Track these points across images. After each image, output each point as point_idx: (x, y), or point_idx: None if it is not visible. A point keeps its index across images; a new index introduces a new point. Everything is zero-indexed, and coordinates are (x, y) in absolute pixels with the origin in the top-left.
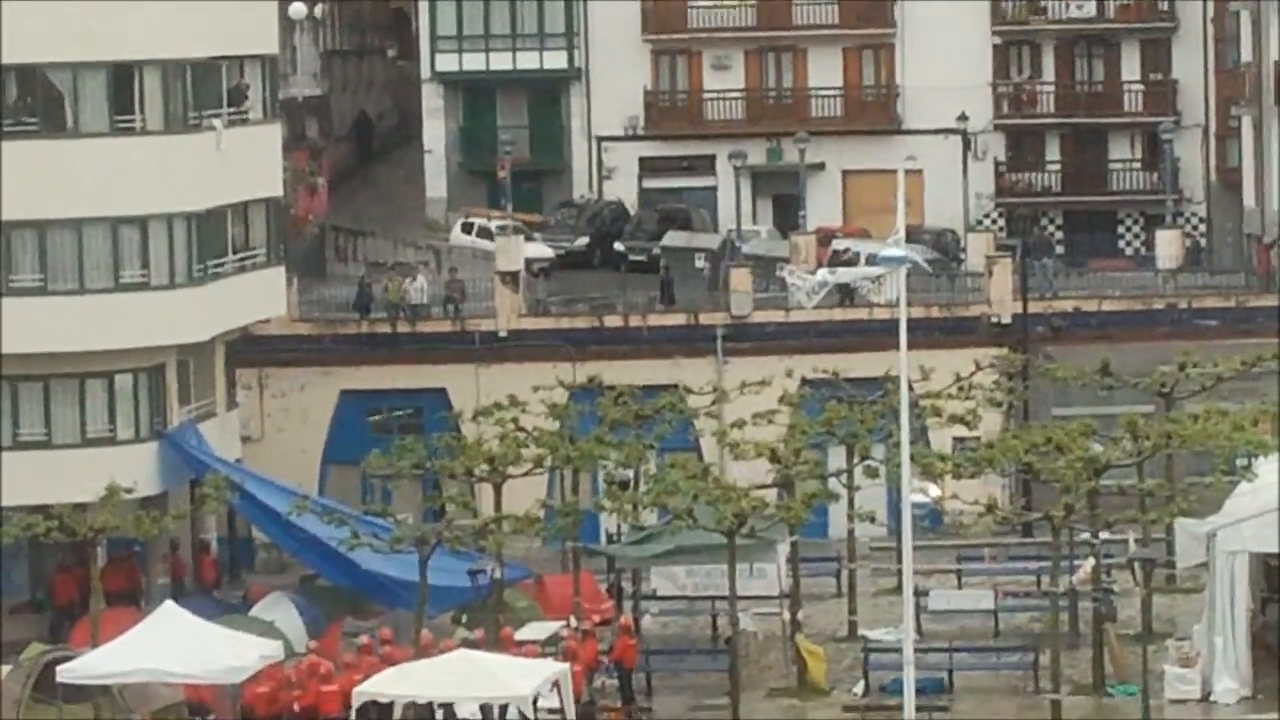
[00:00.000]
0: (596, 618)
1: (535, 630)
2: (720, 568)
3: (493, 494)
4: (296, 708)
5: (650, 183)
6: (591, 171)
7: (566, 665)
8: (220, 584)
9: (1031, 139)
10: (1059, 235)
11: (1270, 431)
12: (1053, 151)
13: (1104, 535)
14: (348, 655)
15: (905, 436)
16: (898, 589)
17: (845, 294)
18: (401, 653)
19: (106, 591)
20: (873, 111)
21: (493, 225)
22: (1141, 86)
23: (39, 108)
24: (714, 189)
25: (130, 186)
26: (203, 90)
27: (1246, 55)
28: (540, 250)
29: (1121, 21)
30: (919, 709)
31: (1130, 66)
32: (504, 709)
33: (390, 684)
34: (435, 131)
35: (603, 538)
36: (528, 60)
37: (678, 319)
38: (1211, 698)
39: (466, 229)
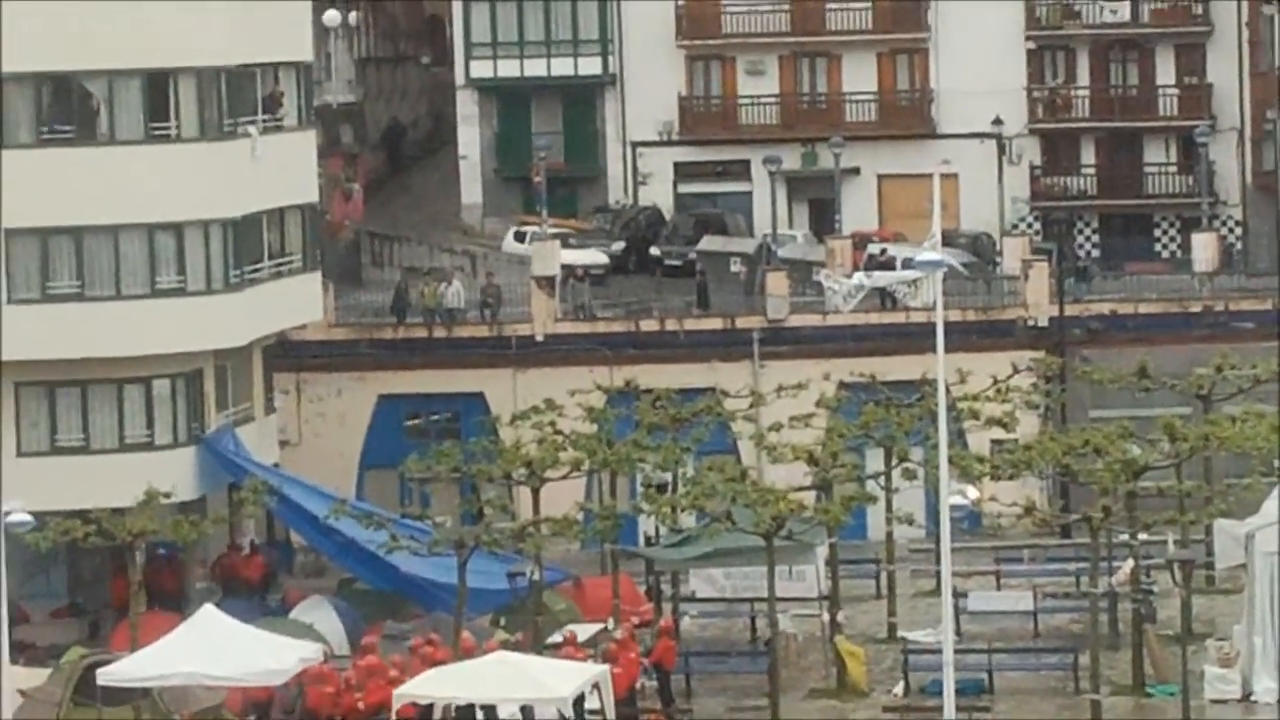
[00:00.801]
0: (635, 620)
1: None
2: (759, 570)
3: (531, 497)
4: (361, 707)
5: (685, 188)
6: (626, 177)
7: (607, 667)
8: (267, 582)
9: (1066, 143)
10: (1095, 239)
11: None
12: (1088, 155)
13: (1143, 536)
14: (397, 656)
15: (943, 439)
16: (937, 590)
17: (884, 298)
18: (444, 653)
19: (162, 592)
20: (907, 116)
21: (546, 233)
22: (1176, 90)
23: (75, 115)
24: (749, 194)
25: (166, 193)
26: (238, 97)
27: None
28: (594, 257)
29: (1156, 25)
30: (959, 710)
31: (1165, 70)
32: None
33: (430, 685)
34: (470, 138)
35: (641, 540)
36: (562, 66)
37: (714, 323)
38: (1252, 698)
39: (519, 237)
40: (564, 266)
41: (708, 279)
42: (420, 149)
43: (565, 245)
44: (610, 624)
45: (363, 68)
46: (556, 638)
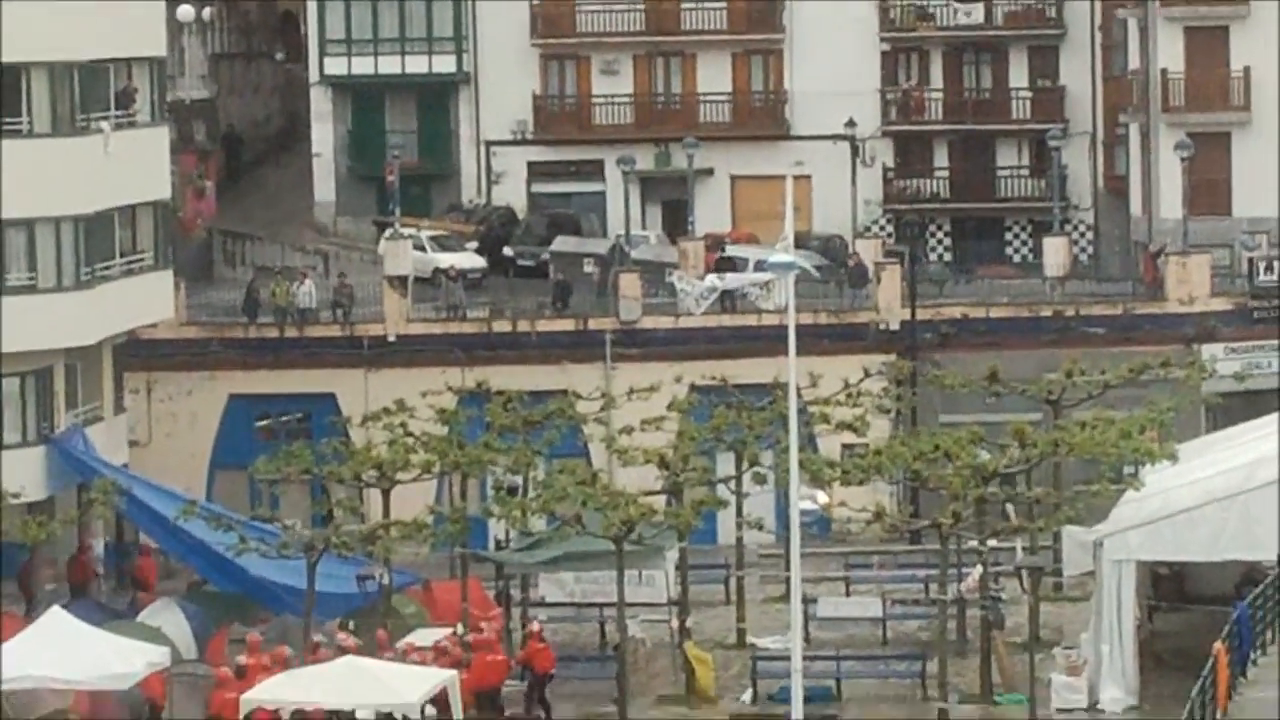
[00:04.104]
0: (483, 625)
1: (423, 636)
2: (609, 574)
3: (381, 499)
4: None
5: (539, 188)
6: (480, 176)
7: (455, 672)
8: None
9: (919, 145)
10: (946, 242)
11: (1156, 439)
12: (941, 158)
13: (991, 543)
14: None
15: (794, 443)
16: (786, 596)
17: (725, 299)
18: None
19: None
20: (761, 117)
21: (423, 236)
22: (1029, 94)
23: None
24: (603, 194)
25: (17, 189)
26: (90, 92)
27: (1134, 63)
28: (472, 260)
29: (1009, 28)
30: (807, 717)
31: (1018, 73)
32: None
33: (279, 690)
34: (323, 135)
35: (491, 544)
36: (416, 64)
37: (566, 324)
38: (1098, 706)
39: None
40: (439, 269)
41: (568, 279)
42: (269, 146)
43: (442, 247)
44: (458, 629)
45: (216, 64)
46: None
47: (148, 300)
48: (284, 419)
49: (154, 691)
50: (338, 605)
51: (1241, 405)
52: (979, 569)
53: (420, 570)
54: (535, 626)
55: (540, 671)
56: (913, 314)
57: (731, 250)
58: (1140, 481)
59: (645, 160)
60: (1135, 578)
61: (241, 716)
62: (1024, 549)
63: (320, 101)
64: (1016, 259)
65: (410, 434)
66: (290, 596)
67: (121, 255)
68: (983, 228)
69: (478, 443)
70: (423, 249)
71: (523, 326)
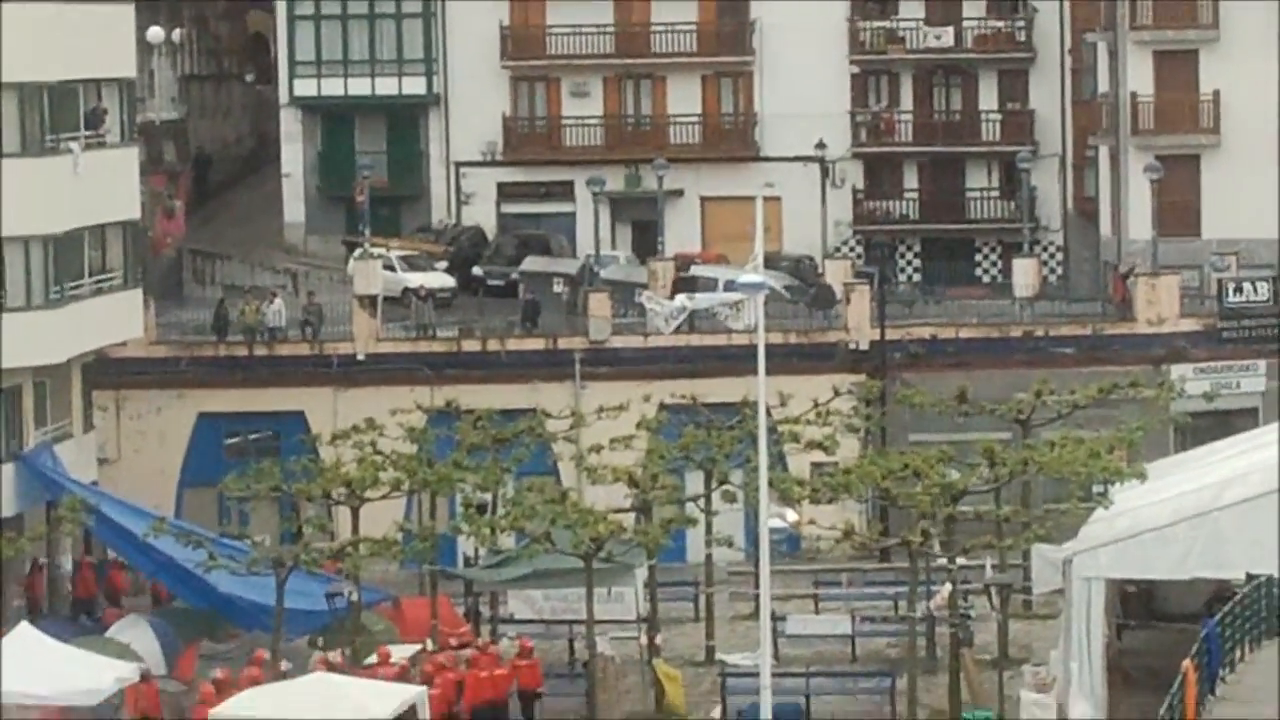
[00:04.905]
0: (454, 641)
1: (396, 652)
2: (578, 591)
3: (350, 517)
4: None
5: (509, 208)
6: (450, 197)
7: (425, 688)
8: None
9: (889, 167)
10: (916, 263)
11: (1125, 459)
12: (911, 180)
13: (961, 561)
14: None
15: (763, 461)
16: (755, 614)
17: (689, 319)
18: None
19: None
20: (731, 139)
21: (393, 255)
22: (999, 116)
23: None
24: (573, 215)
25: None
26: (60, 113)
27: (1103, 86)
28: (442, 280)
29: (979, 51)
30: None
31: (988, 96)
32: None
33: (248, 706)
34: (293, 156)
35: (460, 561)
36: (386, 85)
37: (536, 344)
38: None
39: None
40: (409, 289)
41: (538, 299)
42: (239, 167)
43: (412, 267)
44: (429, 645)
45: (186, 85)
46: (373, 658)
47: (117, 319)
48: (253, 437)
49: (148, 702)
50: (307, 622)
51: (1210, 425)
52: (948, 586)
53: (389, 587)
54: (527, 642)
55: (525, 687)
56: (882, 334)
57: (697, 270)
58: (1109, 500)
59: (615, 181)
60: (1104, 595)
61: None
62: (993, 566)
63: (290, 123)
64: (986, 280)
65: (379, 452)
66: (259, 613)
67: (91, 274)
68: (952, 249)
69: (447, 461)
70: (392, 269)
71: (492, 346)
